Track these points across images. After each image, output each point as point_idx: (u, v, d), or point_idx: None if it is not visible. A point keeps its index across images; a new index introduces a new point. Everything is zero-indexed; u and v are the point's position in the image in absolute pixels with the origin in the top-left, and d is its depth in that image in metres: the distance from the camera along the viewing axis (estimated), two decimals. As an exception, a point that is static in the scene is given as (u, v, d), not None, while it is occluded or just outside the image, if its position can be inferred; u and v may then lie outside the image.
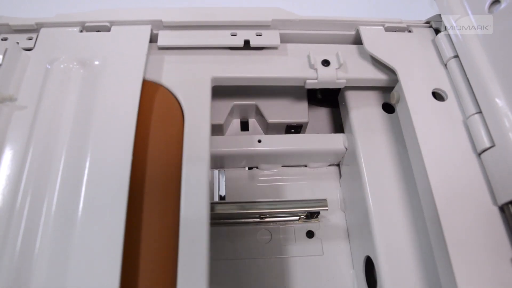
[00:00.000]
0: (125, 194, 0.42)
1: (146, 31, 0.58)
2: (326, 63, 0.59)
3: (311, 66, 0.59)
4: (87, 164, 0.45)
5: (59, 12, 0.58)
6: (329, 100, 0.76)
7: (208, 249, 0.41)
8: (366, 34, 0.61)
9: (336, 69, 0.58)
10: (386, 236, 0.53)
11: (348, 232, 0.67)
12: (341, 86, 0.60)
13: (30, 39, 0.56)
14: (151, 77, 0.55)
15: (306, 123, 0.71)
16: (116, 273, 0.38)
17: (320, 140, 0.67)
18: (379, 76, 0.59)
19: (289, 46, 0.62)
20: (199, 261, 0.41)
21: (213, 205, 0.61)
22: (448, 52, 0.57)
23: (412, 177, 0.53)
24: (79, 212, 0.42)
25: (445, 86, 0.56)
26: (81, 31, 0.58)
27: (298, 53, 0.61)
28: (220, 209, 0.61)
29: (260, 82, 0.59)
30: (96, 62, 0.53)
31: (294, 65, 0.60)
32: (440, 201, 0.46)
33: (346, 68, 0.60)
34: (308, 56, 0.59)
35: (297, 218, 0.67)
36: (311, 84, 0.59)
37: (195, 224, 0.42)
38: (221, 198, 0.68)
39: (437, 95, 0.56)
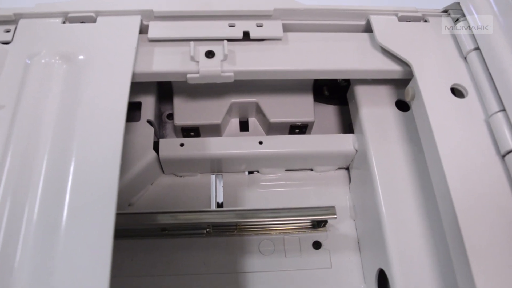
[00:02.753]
0: (114, 200, 0.42)
1: (135, 22, 0.58)
2: (210, 54, 0.57)
3: (192, 58, 0.57)
4: (72, 168, 0.45)
5: (39, 2, 0.59)
6: (337, 97, 0.77)
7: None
8: (377, 24, 0.62)
9: (221, 61, 0.57)
10: (400, 246, 0.53)
11: (358, 243, 0.67)
12: (229, 80, 0.58)
13: (8, 31, 0.57)
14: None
15: (312, 123, 0.71)
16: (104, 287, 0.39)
17: (328, 141, 0.68)
18: (393, 68, 0.60)
19: (291, 35, 0.62)
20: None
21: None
22: (468, 44, 0.58)
23: (429, 181, 0.54)
24: (63, 220, 0.42)
25: (465, 82, 0.56)
26: (64, 22, 0.58)
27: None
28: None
29: (138, 78, 0.57)
30: (81, 57, 0.54)
31: (174, 58, 0.58)
32: (460, 208, 0.46)
33: (233, 60, 0.58)
34: (190, 47, 0.57)
35: (302, 227, 0.68)
36: (193, 79, 0.57)
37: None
38: (219, 205, 0.69)
39: (456, 92, 0.56)
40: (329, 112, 0.78)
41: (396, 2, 0.64)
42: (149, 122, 0.66)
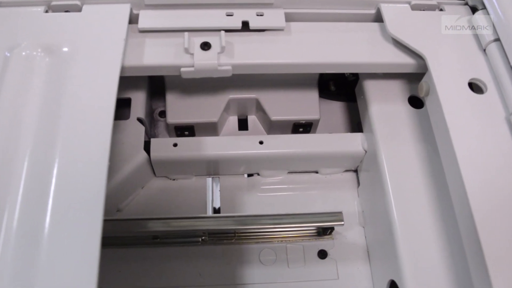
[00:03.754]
0: (101, 205, 0.43)
1: (124, 11, 0.58)
2: (206, 46, 0.57)
3: (186, 51, 0.57)
4: (55, 170, 0.45)
5: (20, -11, 0.59)
6: (345, 92, 0.77)
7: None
8: (388, 13, 0.62)
9: (218, 53, 0.57)
10: (413, 256, 0.53)
11: (368, 252, 0.67)
12: (226, 75, 0.59)
13: (-15, 21, 0.57)
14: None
15: (317, 121, 0.71)
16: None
17: (334, 141, 0.68)
18: (405, 61, 0.60)
19: (294, 25, 0.62)
20: None
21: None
22: (487, 35, 0.58)
23: (445, 184, 0.53)
24: (46, 227, 0.42)
25: (484, 76, 0.56)
26: (47, 11, 0.58)
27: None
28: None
29: (128, 73, 0.57)
30: (65, 49, 0.54)
31: (167, 50, 0.58)
32: (478, 213, 0.46)
33: (232, 52, 0.58)
34: (184, 38, 0.57)
35: (306, 234, 0.68)
36: (188, 73, 0.57)
37: None
38: (216, 210, 0.69)
39: (475, 87, 0.56)
40: (336, 109, 0.78)
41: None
42: (139, 120, 0.66)
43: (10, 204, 0.43)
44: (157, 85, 0.73)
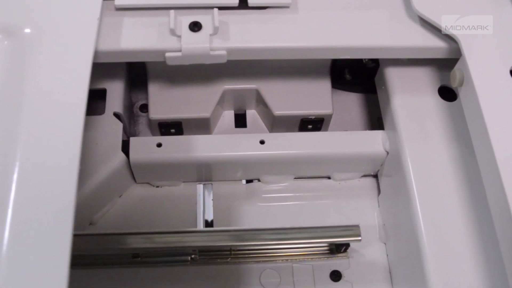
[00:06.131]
0: (71, 217, 0.43)
1: (98, -16, 0.59)
2: (196, 26, 0.57)
3: (172, 32, 0.57)
4: (15, 176, 0.45)
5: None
6: (363, 82, 0.77)
7: None
8: (414, -13, 0.62)
9: (211, 35, 0.58)
10: (445, 278, 0.53)
11: (390, 273, 0.67)
12: (221, 61, 0.59)
13: None
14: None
15: (330, 116, 0.72)
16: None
17: (350, 140, 0.68)
18: (435, 44, 0.60)
19: (301, 1, 0.62)
20: None
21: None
22: (533, 12, 0.58)
23: (482, 191, 0.54)
24: (4, 244, 0.42)
25: (529, 62, 0.56)
26: (5, -15, 0.59)
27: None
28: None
29: (102, 59, 0.57)
30: (27, 30, 0.54)
31: (149, 31, 0.58)
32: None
33: (227, 34, 0.58)
34: (169, 17, 0.57)
35: (317, 252, 0.68)
36: (174, 59, 0.57)
37: None
38: (208, 224, 0.69)
39: (518, 75, 0.56)
40: (352, 102, 0.78)
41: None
42: (116, 115, 0.66)
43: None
44: (137, 73, 0.73)
